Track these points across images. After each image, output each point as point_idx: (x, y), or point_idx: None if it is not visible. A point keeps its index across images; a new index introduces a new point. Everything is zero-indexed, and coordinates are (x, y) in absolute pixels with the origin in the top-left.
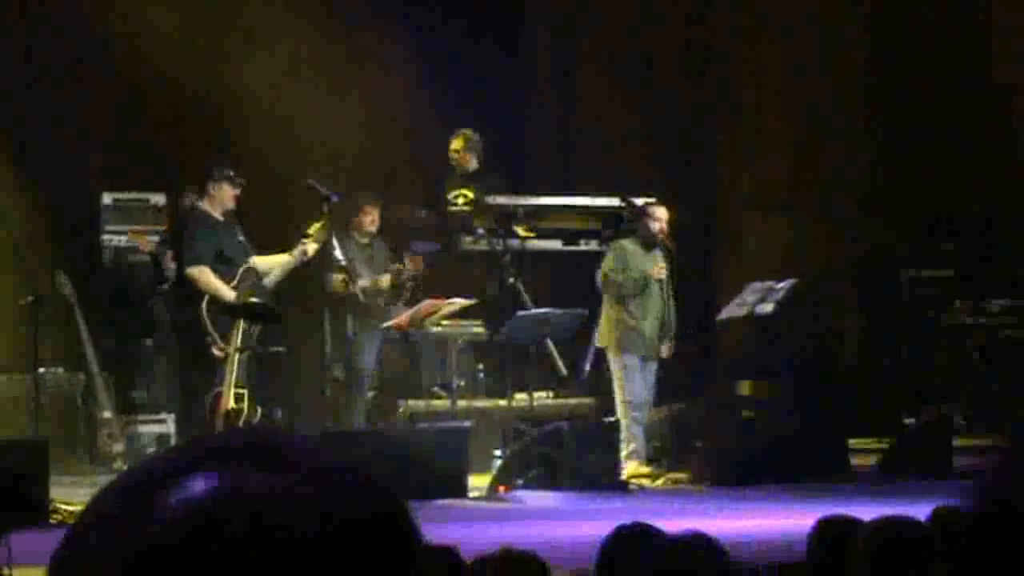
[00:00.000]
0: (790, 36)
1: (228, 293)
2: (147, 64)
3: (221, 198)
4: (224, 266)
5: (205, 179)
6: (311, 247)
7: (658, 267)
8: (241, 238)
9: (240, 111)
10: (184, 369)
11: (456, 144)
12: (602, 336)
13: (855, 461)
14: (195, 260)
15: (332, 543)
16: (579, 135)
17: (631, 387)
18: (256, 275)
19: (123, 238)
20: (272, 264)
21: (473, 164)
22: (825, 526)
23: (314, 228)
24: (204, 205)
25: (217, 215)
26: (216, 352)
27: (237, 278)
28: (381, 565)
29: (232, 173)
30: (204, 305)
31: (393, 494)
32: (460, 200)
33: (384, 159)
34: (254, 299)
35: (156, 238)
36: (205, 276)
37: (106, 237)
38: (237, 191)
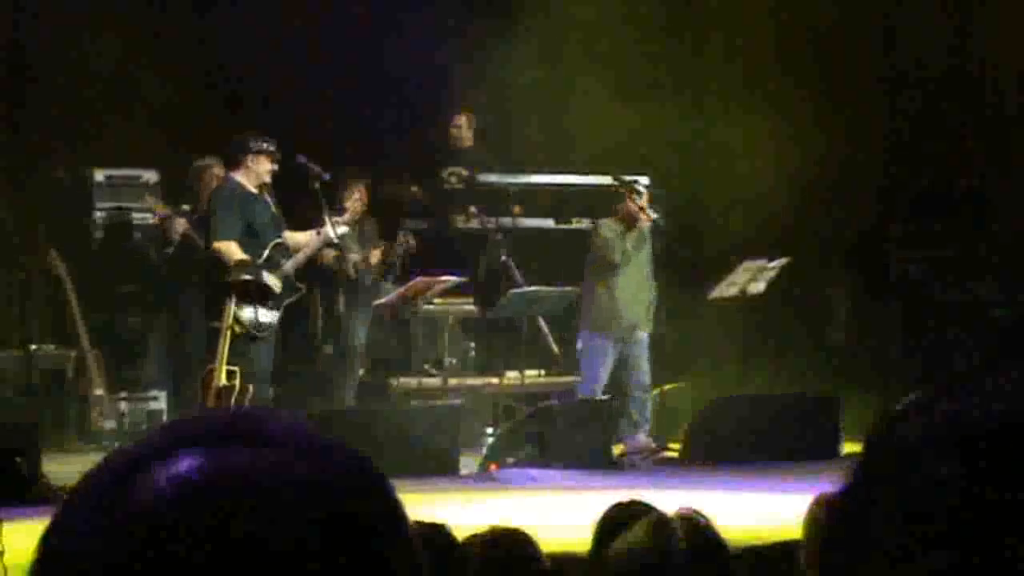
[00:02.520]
0: (783, 10)
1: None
2: (141, 39)
3: (258, 172)
4: (253, 240)
5: (242, 151)
6: (342, 228)
7: (645, 215)
8: (273, 211)
9: (231, 87)
10: (176, 346)
11: (460, 122)
12: (581, 316)
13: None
14: (224, 234)
15: (318, 519)
16: (568, 112)
17: (594, 371)
18: (287, 251)
19: (115, 215)
20: (299, 242)
21: (468, 142)
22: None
23: (350, 200)
24: (239, 177)
25: (251, 188)
26: (238, 330)
27: (266, 255)
28: (366, 542)
29: (271, 147)
30: (230, 284)
31: (379, 472)
32: (454, 179)
33: (373, 135)
34: (247, 277)
35: (166, 207)
36: (232, 253)
37: (98, 214)
38: (274, 165)
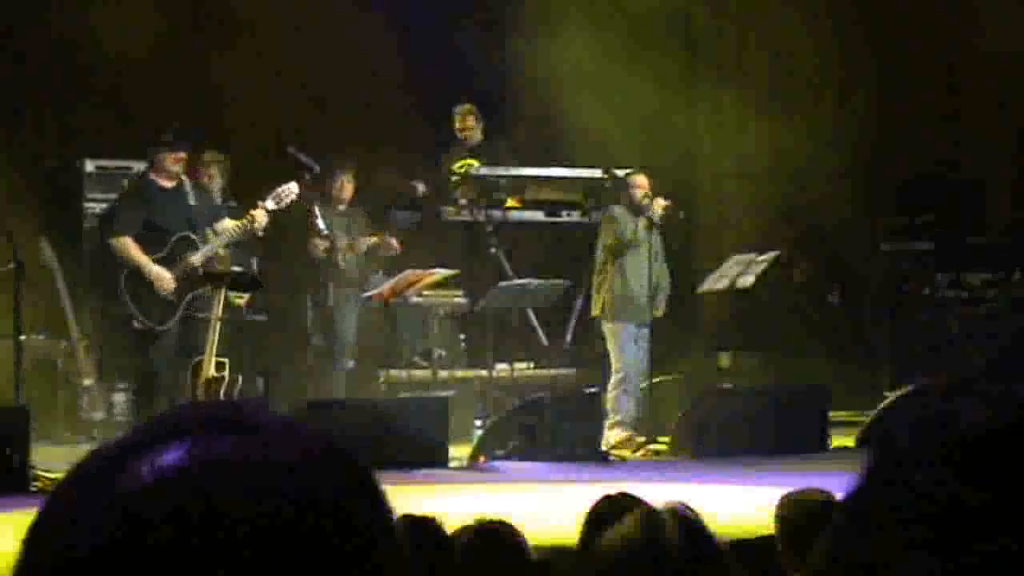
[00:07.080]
0: (773, 6)
1: (150, 266)
2: (129, 30)
3: (165, 166)
4: (154, 234)
5: (153, 147)
6: (259, 215)
7: (658, 203)
8: (192, 204)
9: (222, 77)
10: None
11: (463, 117)
12: (595, 306)
13: (836, 434)
14: (116, 231)
15: (300, 506)
16: (560, 105)
17: (624, 357)
18: (191, 245)
19: (105, 206)
20: (229, 230)
21: (478, 136)
22: (790, 501)
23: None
24: (150, 174)
25: (163, 183)
26: (137, 326)
27: (168, 248)
28: (347, 528)
29: (171, 139)
30: (123, 278)
31: (365, 465)
32: (464, 171)
33: (364, 127)
34: (235, 267)
35: None
36: (125, 247)
37: (88, 204)
38: (181, 156)
